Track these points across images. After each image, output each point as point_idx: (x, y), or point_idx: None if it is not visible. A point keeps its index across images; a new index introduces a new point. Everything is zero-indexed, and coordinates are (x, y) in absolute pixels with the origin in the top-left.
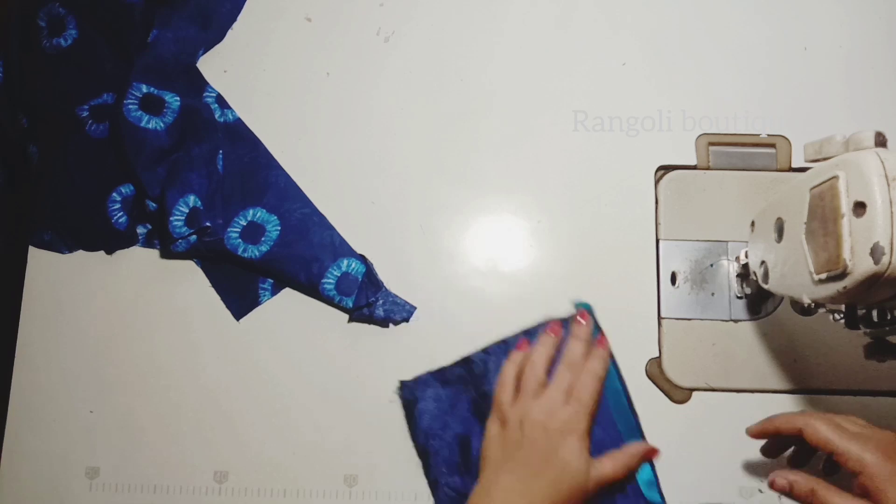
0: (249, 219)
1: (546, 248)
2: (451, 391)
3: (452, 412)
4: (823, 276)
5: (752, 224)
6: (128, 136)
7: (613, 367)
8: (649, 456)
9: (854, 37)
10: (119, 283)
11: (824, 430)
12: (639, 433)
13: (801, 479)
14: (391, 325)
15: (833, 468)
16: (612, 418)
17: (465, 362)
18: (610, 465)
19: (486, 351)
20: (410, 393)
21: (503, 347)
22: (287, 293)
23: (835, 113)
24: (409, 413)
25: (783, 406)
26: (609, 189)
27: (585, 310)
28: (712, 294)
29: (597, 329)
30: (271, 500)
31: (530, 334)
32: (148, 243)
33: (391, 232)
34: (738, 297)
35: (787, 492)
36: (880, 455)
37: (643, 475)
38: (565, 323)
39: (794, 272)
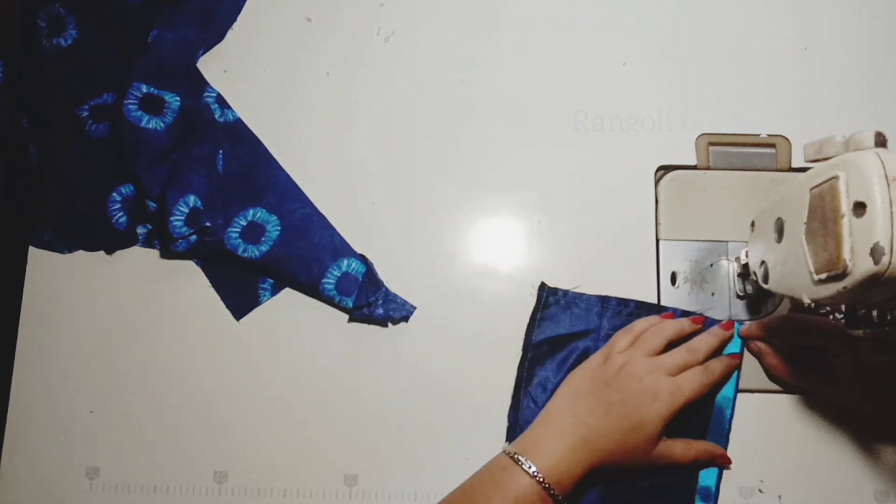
0: (249, 219)
1: (546, 248)
2: (579, 321)
3: (568, 340)
4: (823, 276)
5: (752, 224)
6: (128, 136)
7: (735, 380)
8: (721, 461)
9: (854, 37)
10: (119, 283)
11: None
12: (724, 443)
13: (761, 343)
14: (390, 324)
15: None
16: (709, 418)
17: (604, 301)
18: (681, 447)
19: (626, 304)
20: (554, 299)
21: (643, 312)
22: (287, 293)
23: (835, 113)
24: (536, 311)
25: (783, 406)
26: (609, 189)
27: (733, 321)
28: (712, 294)
29: (739, 346)
30: (271, 500)
31: (677, 314)
32: (148, 243)
33: (391, 232)
34: (738, 297)
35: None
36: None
37: (706, 479)
38: (708, 322)
39: (794, 272)
